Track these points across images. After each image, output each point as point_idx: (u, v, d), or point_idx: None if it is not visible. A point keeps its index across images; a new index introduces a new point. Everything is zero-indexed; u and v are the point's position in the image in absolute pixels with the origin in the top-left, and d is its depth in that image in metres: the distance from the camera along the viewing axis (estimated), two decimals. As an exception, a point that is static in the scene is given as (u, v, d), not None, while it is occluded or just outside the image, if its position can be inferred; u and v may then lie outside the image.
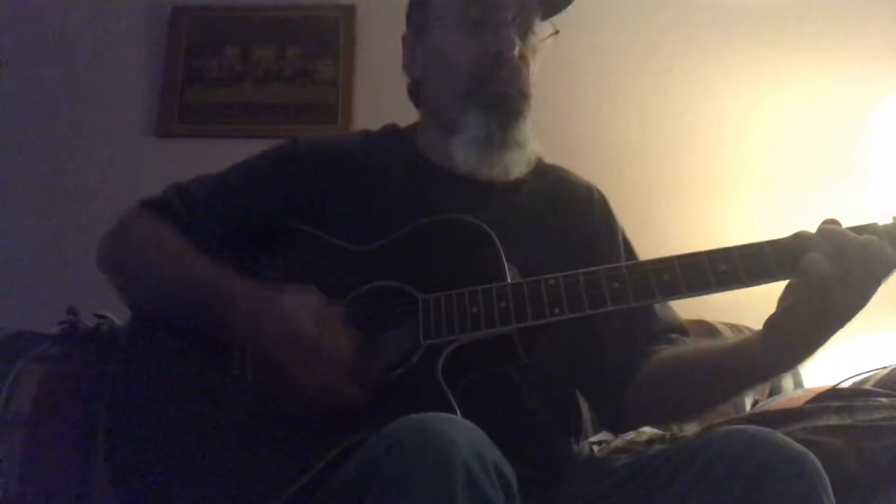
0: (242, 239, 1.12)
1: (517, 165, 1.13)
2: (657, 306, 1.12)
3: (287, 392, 0.93)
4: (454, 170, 1.14)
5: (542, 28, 1.16)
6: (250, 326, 0.95)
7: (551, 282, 0.93)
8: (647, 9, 2.21)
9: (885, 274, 0.83)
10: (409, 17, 1.23)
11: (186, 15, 2.22)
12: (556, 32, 1.17)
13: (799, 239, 0.86)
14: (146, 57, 2.19)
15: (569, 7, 1.18)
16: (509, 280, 0.96)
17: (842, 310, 0.84)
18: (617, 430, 1.22)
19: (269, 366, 0.94)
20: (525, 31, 1.13)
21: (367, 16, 2.20)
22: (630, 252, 1.19)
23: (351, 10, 2.22)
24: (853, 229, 0.86)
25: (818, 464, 0.79)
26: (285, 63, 2.18)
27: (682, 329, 1.13)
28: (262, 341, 0.94)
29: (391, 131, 1.26)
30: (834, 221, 0.87)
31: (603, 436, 1.30)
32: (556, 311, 0.91)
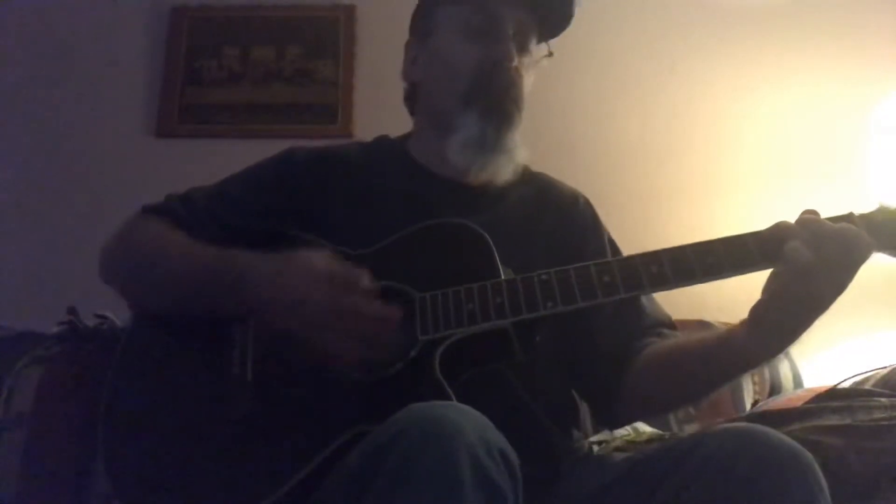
0: (241, 245, 1.12)
1: (505, 170, 1.17)
2: (645, 303, 1.15)
3: (309, 344, 0.93)
4: (446, 175, 1.18)
5: (538, 49, 1.22)
6: (269, 284, 0.96)
7: (544, 277, 0.96)
8: (647, 9, 2.21)
9: (862, 259, 0.87)
10: (413, 24, 1.28)
11: (186, 15, 2.22)
12: (551, 54, 1.23)
13: (779, 229, 0.90)
14: (146, 57, 2.19)
15: (564, 32, 1.23)
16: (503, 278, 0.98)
17: (822, 295, 0.87)
18: (612, 426, 1.24)
19: (288, 323, 0.94)
20: (522, 48, 1.18)
21: (367, 16, 2.21)
22: (616, 253, 1.22)
23: (351, 10, 2.22)
24: (831, 219, 0.90)
25: (814, 462, 0.80)
26: (285, 63, 2.18)
27: (670, 324, 1.17)
28: (282, 293, 0.95)
29: (384, 140, 1.29)
30: (813, 212, 0.91)
31: (603, 435, 1.30)
32: (550, 304, 0.94)
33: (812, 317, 0.88)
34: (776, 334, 0.91)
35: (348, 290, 0.92)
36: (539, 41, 1.22)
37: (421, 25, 1.26)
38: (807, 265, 0.85)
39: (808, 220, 0.89)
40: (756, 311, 0.91)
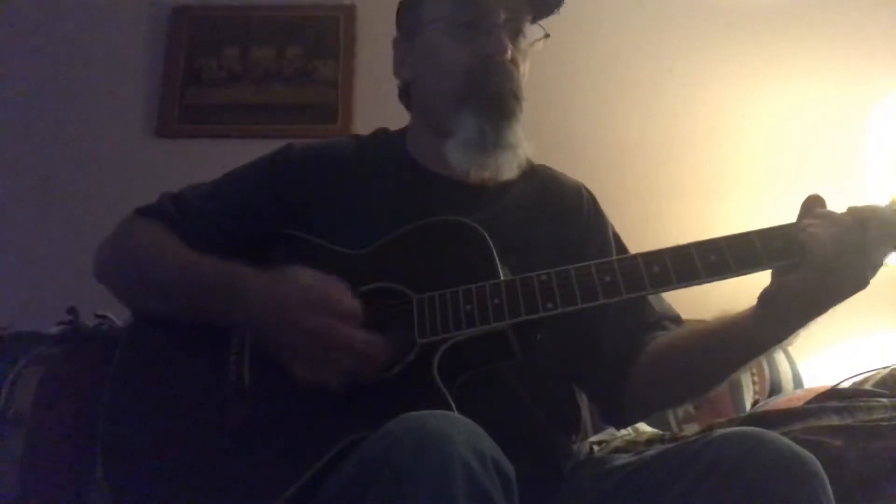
0: (237, 245, 1.12)
1: (509, 167, 1.13)
2: (650, 298, 1.13)
3: (299, 361, 0.94)
4: (445, 173, 1.15)
5: (533, 31, 1.17)
6: (263, 301, 0.96)
7: (543, 278, 0.94)
8: (647, 9, 2.21)
9: (882, 254, 0.85)
10: (399, 21, 1.24)
11: (186, 15, 2.22)
12: (547, 36, 1.18)
13: (789, 225, 0.89)
14: (146, 57, 2.19)
15: (559, 10, 1.18)
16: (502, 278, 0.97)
17: (839, 290, 0.86)
18: (620, 423, 1.22)
19: (279, 336, 0.95)
20: (515, 34, 1.14)
21: (367, 16, 2.20)
22: (621, 247, 1.21)
23: (351, 10, 2.22)
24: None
25: (820, 467, 0.80)
26: (285, 63, 2.18)
27: (676, 318, 1.15)
28: (274, 310, 0.95)
29: (381, 135, 1.27)
30: (817, 196, 0.90)
31: (603, 436, 1.30)
32: (549, 305, 0.92)
33: (826, 308, 0.87)
34: (786, 320, 0.90)
35: (335, 318, 0.92)
36: (534, 21, 1.16)
37: (407, 22, 1.21)
38: (825, 258, 0.83)
39: (826, 213, 0.88)
40: (766, 298, 0.90)
